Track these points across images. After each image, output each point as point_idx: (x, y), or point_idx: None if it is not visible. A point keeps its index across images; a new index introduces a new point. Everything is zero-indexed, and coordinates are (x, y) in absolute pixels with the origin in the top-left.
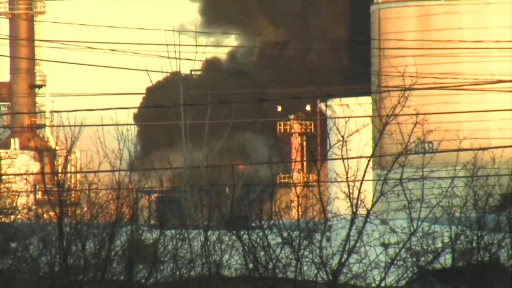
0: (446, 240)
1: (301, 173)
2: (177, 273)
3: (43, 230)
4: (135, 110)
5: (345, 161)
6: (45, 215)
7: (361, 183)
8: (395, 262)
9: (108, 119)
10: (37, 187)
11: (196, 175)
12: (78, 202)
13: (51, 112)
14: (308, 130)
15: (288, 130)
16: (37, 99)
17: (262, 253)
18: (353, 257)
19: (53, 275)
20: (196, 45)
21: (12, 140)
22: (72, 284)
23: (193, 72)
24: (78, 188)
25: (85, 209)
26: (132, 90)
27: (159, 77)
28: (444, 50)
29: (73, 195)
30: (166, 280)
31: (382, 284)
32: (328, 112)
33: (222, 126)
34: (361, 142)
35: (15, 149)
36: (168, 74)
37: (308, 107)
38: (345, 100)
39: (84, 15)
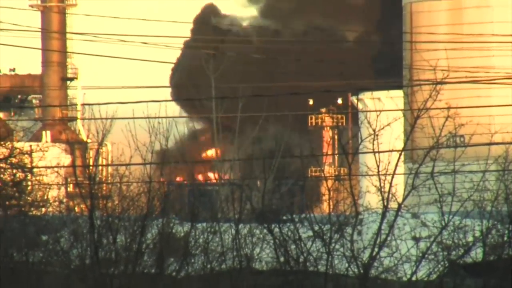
0: (477, 234)
1: (333, 166)
2: (208, 266)
3: (74, 223)
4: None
5: (377, 154)
6: (76, 208)
7: (392, 177)
8: (426, 256)
9: (139, 112)
10: (69, 179)
11: (228, 168)
12: (109, 195)
13: (83, 105)
14: (340, 124)
15: (319, 123)
16: (69, 91)
17: (293, 246)
18: (384, 251)
19: (84, 268)
20: (226, 38)
21: (43, 132)
22: (103, 277)
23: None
24: (109, 181)
25: (116, 202)
26: (164, 83)
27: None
28: (476, 44)
29: (104, 188)
30: (197, 273)
31: (413, 278)
32: (360, 106)
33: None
34: (393, 136)
35: (46, 141)
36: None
37: (339, 101)
38: (376, 93)
39: (115, 8)
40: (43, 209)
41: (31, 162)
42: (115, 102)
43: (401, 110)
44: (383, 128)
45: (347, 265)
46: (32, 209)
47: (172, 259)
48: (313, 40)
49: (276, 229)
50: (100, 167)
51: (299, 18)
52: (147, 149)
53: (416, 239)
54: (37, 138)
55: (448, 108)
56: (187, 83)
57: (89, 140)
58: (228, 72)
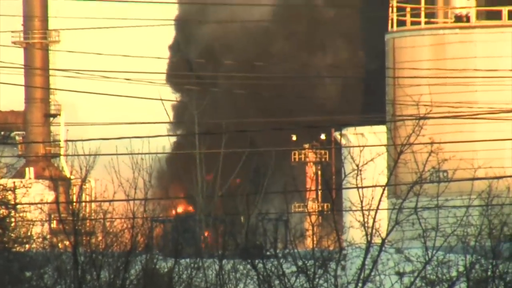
0: (461, 269)
1: (316, 202)
2: None
3: (58, 259)
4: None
5: (360, 190)
6: (60, 244)
7: (376, 212)
8: None
9: (122, 148)
10: (52, 216)
11: (211, 204)
12: (93, 231)
13: (66, 141)
14: (323, 159)
15: (302, 159)
16: (52, 128)
17: (277, 282)
18: (368, 286)
19: None
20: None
21: (27, 169)
22: None
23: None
24: (93, 217)
25: (100, 238)
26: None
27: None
28: (459, 79)
29: (88, 224)
30: None
31: None
32: (343, 141)
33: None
34: (376, 171)
35: (30, 178)
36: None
37: (322, 136)
38: (359, 129)
39: (98, 45)
40: (27, 246)
41: (15, 198)
42: (98, 138)
43: (384, 145)
44: (366, 163)
45: None
46: (15, 245)
47: None
48: (295, 75)
49: (260, 265)
50: (83, 203)
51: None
52: (131, 185)
53: (400, 274)
54: (20, 174)
55: (431, 143)
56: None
57: (72, 177)
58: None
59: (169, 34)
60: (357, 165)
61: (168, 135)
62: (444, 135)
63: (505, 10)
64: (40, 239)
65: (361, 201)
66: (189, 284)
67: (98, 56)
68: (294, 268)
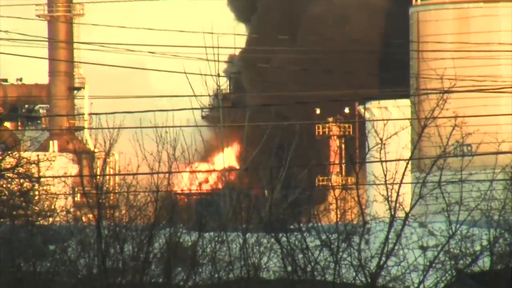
0: (485, 243)
1: (340, 175)
2: (216, 275)
3: (82, 232)
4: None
5: (384, 163)
6: (83, 218)
7: (400, 186)
8: (433, 265)
9: (146, 121)
10: (76, 189)
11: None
12: (117, 205)
13: (90, 114)
14: (347, 133)
15: (326, 132)
16: (76, 101)
17: (300, 255)
18: (391, 260)
19: (92, 277)
20: (235, 48)
21: (50, 142)
22: (111, 286)
23: (232, 75)
24: (116, 191)
25: (124, 211)
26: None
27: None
28: (483, 52)
29: (111, 198)
30: (205, 283)
31: (421, 287)
32: (367, 115)
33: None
34: (400, 145)
35: (53, 151)
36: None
37: (346, 110)
38: (383, 102)
39: (122, 17)
40: (50, 219)
41: (38, 172)
42: (122, 111)
43: (408, 119)
44: (390, 137)
45: (354, 274)
46: (39, 219)
47: (179, 268)
48: (320, 49)
49: (284, 238)
50: (107, 177)
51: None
52: (155, 159)
53: (424, 248)
54: (44, 147)
55: (455, 117)
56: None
57: (96, 150)
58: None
59: (194, 6)
60: (381, 139)
61: (192, 108)
62: (468, 109)
63: None
64: (64, 213)
65: (385, 175)
66: (213, 257)
67: (122, 29)
68: (317, 242)
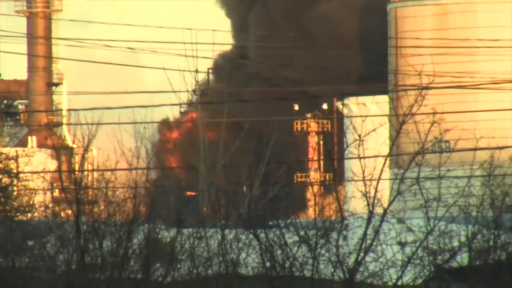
0: (463, 239)
1: (318, 172)
2: (194, 271)
3: (60, 228)
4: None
5: (362, 160)
6: (62, 213)
7: (378, 182)
8: (412, 260)
9: (125, 117)
10: (54, 185)
11: (214, 174)
12: (95, 200)
13: (68, 110)
14: (325, 129)
15: (305, 128)
16: (54, 97)
17: (279, 251)
18: (369, 256)
19: (70, 273)
20: (213, 43)
21: (29, 138)
22: (89, 282)
23: (209, 71)
24: (95, 186)
25: (102, 207)
26: (149, 89)
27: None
28: (461, 48)
29: (90, 193)
30: (183, 279)
31: (399, 283)
32: (345, 111)
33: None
34: (378, 141)
35: (32, 147)
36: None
37: (325, 106)
38: (362, 98)
39: (101, 13)
40: (29, 215)
41: (17, 167)
42: (100, 107)
43: (386, 115)
44: (368, 133)
45: (332, 270)
46: (18, 214)
47: (158, 264)
48: (299, 46)
49: (262, 235)
50: (86, 172)
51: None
52: (133, 154)
53: (402, 244)
54: (23, 143)
55: (434, 113)
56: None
57: (74, 146)
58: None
59: (172, 2)
60: (359, 135)
61: (171, 104)
62: (446, 105)
63: None
64: (42, 208)
65: (363, 171)
66: (192, 253)
67: (101, 25)
68: (296, 238)
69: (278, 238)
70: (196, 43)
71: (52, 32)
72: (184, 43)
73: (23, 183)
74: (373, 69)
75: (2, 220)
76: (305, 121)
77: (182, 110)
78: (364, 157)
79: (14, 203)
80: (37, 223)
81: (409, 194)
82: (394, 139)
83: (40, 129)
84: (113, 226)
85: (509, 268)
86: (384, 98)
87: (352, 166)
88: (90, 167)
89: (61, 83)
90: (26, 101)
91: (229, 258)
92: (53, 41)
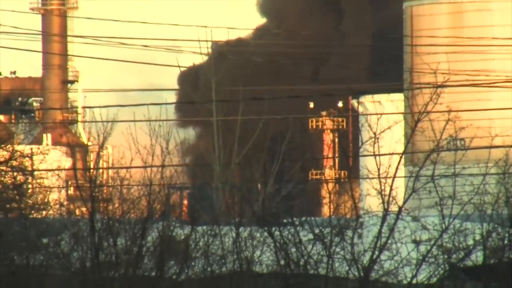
0: (478, 237)
1: (333, 169)
2: (209, 269)
3: (75, 225)
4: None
5: (377, 157)
6: (77, 211)
7: (393, 180)
8: (426, 259)
9: (140, 115)
10: (69, 182)
11: (228, 172)
12: (110, 198)
13: (83, 107)
14: (340, 127)
15: (320, 126)
16: (70, 94)
17: (293, 249)
18: (384, 254)
19: (85, 271)
20: (228, 41)
21: (44, 135)
22: (104, 280)
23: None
24: (110, 184)
25: (117, 205)
26: (165, 86)
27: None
28: (476, 47)
29: (105, 191)
30: (198, 276)
31: (414, 281)
32: (360, 109)
33: (254, 123)
34: (393, 139)
35: (47, 144)
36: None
37: (340, 104)
38: (377, 96)
39: (116, 11)
40: (44, 212)
41: (32, 165)
42: (116, 105)
43: (401, 113)
44: (383, 131)
45: (347, 268)
46: (32, 212)
47: (172, 262)
48: (314, 44)
49: (277, 232)
50: (100, 170)
51: (299, 21)
52: (148, 152)
53: (417, 242)
54: (37, 141)
55: (449, 111)
56: (187, 87)
57: (89, 143)
58: (228, 74)
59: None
60: (374, 133)
61: (186, 102)
62: (461, 103)
63: None
64: (57, 206)
65: (378, 169)
66: (206, 251)
67: (116, 23)
68: (310, 236)
69: (293, 236)
70: (211, 41)
71: (68, 30)
72: (199, 40)
73: (38, 180)
74: (389, 67)
75: (17, 218)
76: (320, 118)
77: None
78: (379, 155)
79: (29, 201)
80: (52, 221)
81: (424, 192)
82: (409, 137)
83: (55, 126)
84: (128, 224)
85: None
86: (399, 96)
87: (367, 164)
88: (105, 165)
89: (77, 81)
90: (41, 98)
91: (243, 256)
92: (68, 38)
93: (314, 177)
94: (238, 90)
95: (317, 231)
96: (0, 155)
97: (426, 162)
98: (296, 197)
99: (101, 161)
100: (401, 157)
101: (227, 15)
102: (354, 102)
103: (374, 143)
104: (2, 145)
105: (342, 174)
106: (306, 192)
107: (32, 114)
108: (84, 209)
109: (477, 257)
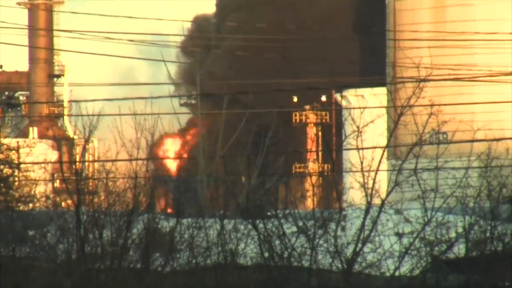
0: (460, 230)
1: (317, 163)
2: (193, 261)
3: (61, 218)
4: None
5: (360, 151)
6: (62, 204)
7: (376, 173)
8: (409, 251)
9: (126, 108)
10: (55, 175)
11: (213, 165)
12: (96, 191)
13: (70, 101)
14: (324, 121)
15: (303, 120)
16: (56, 88)
17: (277, 242)
18: (367, 247)
19: (70, 263)
20: (214, 36)
21: (30, 129)
22: (89, 271)
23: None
24: (95, 177)
25: (103, 197)
26: (150, 80)
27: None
28: (458, 41)
29: (90, 184)
30: (182, 268)
31: (396, 273)
32: (344, 103)
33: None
34: (376, 133)
35: (33, 138)
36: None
37: (323, 98)
38: (360, 90)
39: (102, 5)
40: (30, 205)
41: (18, 158)
42: (101, 99)
43: (384, 107)
44: (366, 125)
45: (330, 260)
46: (19, 204)
47: (157, 254)
48: (298, 38)
49: (261, 225)
50: (86, 163)
51: (282, 15)
52: (133, 145)
53: (399, 235)
54: (24, 134)
55: (431, 105)
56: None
57: (75, 137)
58: (213, 69)
59: None
60: (358, 127)
61: (170, 96)
62: (444, 97)
63: None
64: (43, 198)
65: (361, 162)
66: (191, 243)
67: (102, 17)
68: (294, 229)
69: (277, 229)
70: (197, 36)
71: (54, 24)
72: (184, 35)
73: (24, 173)
74: (371, 60)
75: (3, 210)
76: (303, 112)
77: (182, 102)
78: (362, 148)
79: (15, 194)
80: (38, 213)
81: (406, 185)
82: (392, 131)
83: (41, 120)
84: (113, 216)
85: (505, 259)
86: (382, 90)
87: (350, 157)
88: (91, 158)
89: (63, 75)
90: (27, 92)
91: (228, 248)
92: (55, 33)
93: (298, 170)
94: (222, 85)
95: (300, 223)
96: None
97: (409, 155)
98: (280, 190)
99: (87, 154)
100: (384, 151)
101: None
102: (337, 96)
103: (357, 136)
104: None
105: (326, 168)
106: (289, 185)
107: (19, 108)
108: (70, 201)
109: (460, 249)
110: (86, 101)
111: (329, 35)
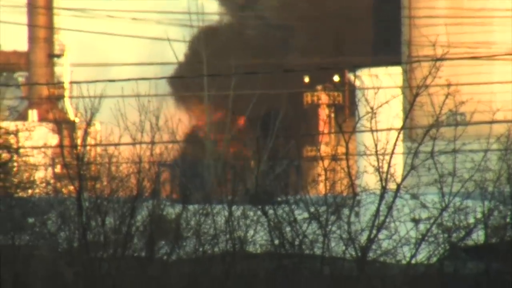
0: (479, 215)
1: (329, 145)
2: (200, 249)
3: (62, 205)
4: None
5: (374, 133)
6: (63, 190)
7: (391, 157)
8: (426, 238)
9: (129, 90)
10: (56, 160)
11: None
12: (98, 176)
13: (71, 82)
14: (336, 102)
15: (315, 101)
16: (56, 69)
17: (288, 228)
18: (382, 233)
19: (72, 251)
20: (219, 14)
21: (30, 111)
22: (92, 260)
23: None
24: (98, 162)
25: (105, 183)
26: (154, 60)
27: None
28: (476, 19)
29: (93, 169)
30: (189, 257)
31: (413, 261)
32: (357, 83)
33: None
34: (391, 114)
35: (33, 121)
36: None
37: (336, 78)
38: (374, 70)
39: None
40: (30, 191)
41: (17, 142)
42: (104, 80)
43: (399, 87)
44: (381, 106)
45: (344, 247)
46: (18, 190)
47: (163, 242)
48: (309, 15)
49: (271, 211)
50: (88, 147)
51: None
52: (137, 129)
53: (416, 221)
54: (23, 117)
55: (448, 85)
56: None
57: (77, 119)
58: (220, 48)
59: None
60: (372, 108)
61: (175, 77)
62: (461, 76)
63: None
64: (44, 184)
65: (376, 145)
66: (198, 230)
67: None
68: (306, 215)
69: (287, 215)
70: (202, 13)
71: (54, 2)
72: (189, 13)
73: (24, 158)
74: (386, 39)
75: (2, 196)
76: (315, 93)
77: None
78: (376, 130)
79: (14, 179)
80: (38, 199)
81: (423, 169)
82: (408, 112)
83: (41, 102)
84: (116, 202)
85: None
86: (397, 70)
87: (364, 140)
88: (92, 142)
89: (63, 55)
90: (27, 73)
91: (236, 236)
92: (55, 11)
93: (309, 154)
94: (230, 65)
95: (312, 209)
96: None
97: (425, 138)
98: (291, 175)
99: (88, 138)
100: (399, 133)
101: None
102: (350, 75)
103: (371, 118)
104: None
105: (338, 151)
106: (301, 170)
107: (18, 89)
108: (71, 187)
109: (478, 236)
110: (87, 82)
111: (343, 12)
